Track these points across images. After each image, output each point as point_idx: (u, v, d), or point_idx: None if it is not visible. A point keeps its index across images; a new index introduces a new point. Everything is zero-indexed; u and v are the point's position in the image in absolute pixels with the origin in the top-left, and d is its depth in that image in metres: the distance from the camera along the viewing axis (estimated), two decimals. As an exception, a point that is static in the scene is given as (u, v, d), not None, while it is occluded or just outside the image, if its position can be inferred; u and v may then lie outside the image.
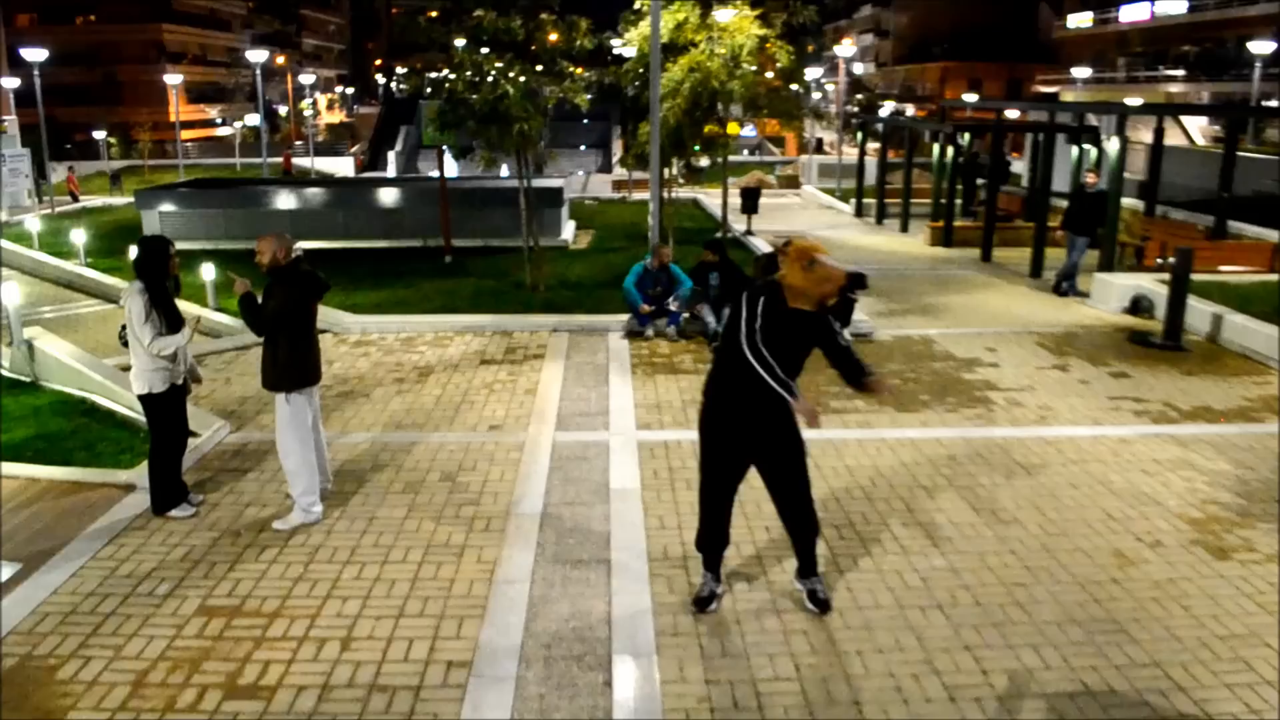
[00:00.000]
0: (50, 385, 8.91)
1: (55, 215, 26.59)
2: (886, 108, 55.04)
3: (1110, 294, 12.44)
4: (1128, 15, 50.33)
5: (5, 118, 33.69)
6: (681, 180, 18.09)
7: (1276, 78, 36.60)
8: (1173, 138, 23.90)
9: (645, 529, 5.93)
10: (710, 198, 24.89)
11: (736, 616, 4.93)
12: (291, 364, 5.92)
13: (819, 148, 42.74)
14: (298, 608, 5.03)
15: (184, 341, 5.96)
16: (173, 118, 44.79)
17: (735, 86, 13.83)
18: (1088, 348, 10.47)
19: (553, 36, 12.80)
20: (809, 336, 4.58)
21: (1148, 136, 17.35)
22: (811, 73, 34.91)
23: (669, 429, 7.79)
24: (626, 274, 11.23)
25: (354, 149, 56.28)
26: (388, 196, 19.66)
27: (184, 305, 8.11)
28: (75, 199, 31.29)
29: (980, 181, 20.34)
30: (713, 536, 5.01)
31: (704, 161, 16.46)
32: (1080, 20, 55.50)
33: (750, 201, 19.58)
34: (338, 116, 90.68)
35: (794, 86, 17.73)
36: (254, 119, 57.14)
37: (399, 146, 45.87)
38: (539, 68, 12.84)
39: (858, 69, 71.13)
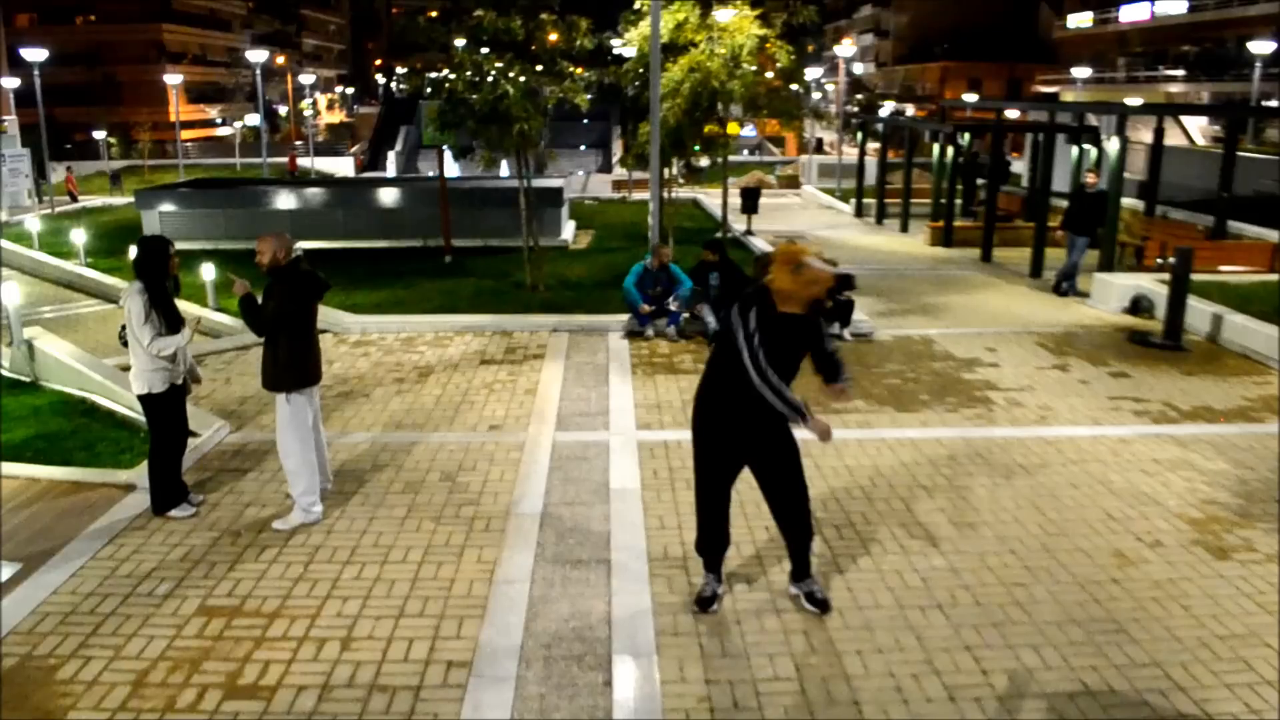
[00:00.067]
0: (50, 385, 8.91)
1: (55, 215, 26.60)
2: (886, 108, 55.06)
3: (1110, 294, 12.45)
4: (1128, 15, 50.34)
5: (5, 118, 33.69)
6: (681, 180, 18.11)
7: (1276, 78, 36.59)
8: (1173, 138, 23.91)
9: (645, 529, 5.93)
10: (710, 198, 24.89)
11: (736, 616, 4.93)
12: (292, 364, 5.92)
13: (819, 148, 42.74)
14: (298, 608, 5.03)
15: (184, 342, 5.96)
16: (173, 118, 44.81)
17: (735, 86, 13.83)
18: (1088, 348, 10.48)
19: (553, 36, 12.79)
20: (801, 340, 4.58)
21: (1148, 136, 17.35)
22: (811, 73, 34.92)
23: (669, 429, 7.79)
24: (626, 274, 11.23)
25: (354, 149, 56.30)
26: (388, 196, 19.66)
27: (184, 305, 8.12)
28: (74, 199, 31.32)
29: (980, 181, 20.35)
30: (712, 539, 5.02)
31: (704, 161, 16.46)
32: (1080, 20, 55.51)
33: (750, 201, 19.59)
34: (338, 116, 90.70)
35: (794, 86, 17.72)
36: (254, 119, 57.15)
37: (399, 146, 45.86)
38: (539, 68, 12.83)
39: (858, 69, 71.14)
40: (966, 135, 20.24)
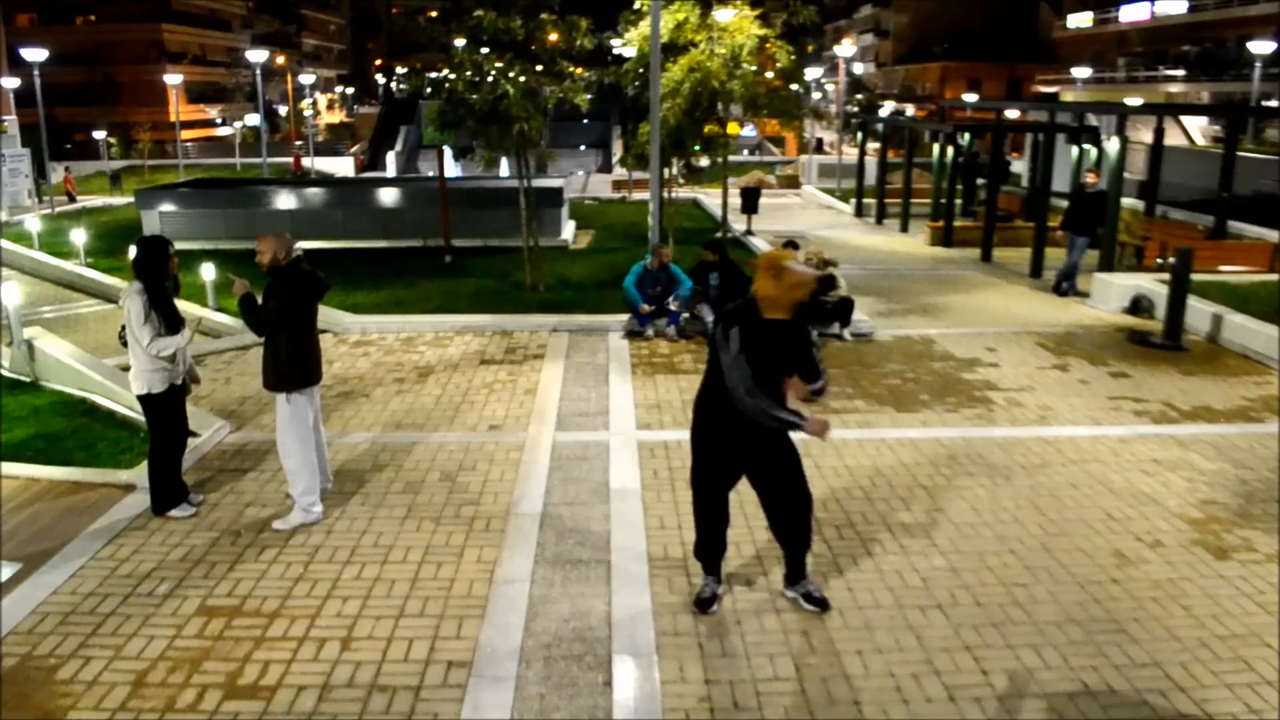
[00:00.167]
0: (50, 385, 8.91)
1: (55, 215, 26.61)
2: (886, 108, 55.05)
3: (1110, 294, 12.45)
4: (1128, 15, 50.35)
5: (5, 118, 33.69)
6: (681, 180, 18.09)
7: (1276, 78, 36.60)
8: (1173, 138, 23.91)
9: (645, 529, 5.93)
10: (710, 198, 24.90)
11: (736, 616, 4.93)
12: (292, 364, 5.92)
13: (819, 148, 42.73)
14: (298, 608, 5.03)
15: (184, 343, 5.96)
16: (173, 118, 44.82)
17: (735, 86, 13.83)
18: (1088, 348, 10.48)
19: (553, 36, 12.79)
20: (791, 345, 4.57)
21: (1148, 136, 17.36)
22: (811, 73, 34.93)
23: (669, 429, 7.79)
24: (626, 274, 11.23)
25: (354, 149, 56.31)
26: (388, 196, 19.65)
27: (184, 305, 8.12)
28: (71, 199, 31.31)
29: (980, 181, 20.36)
30: (711, 545, 5.02)
31: (704, 161, 16.45)
32: (1080, 20, 55.52)
33: (750, 201, 19.60)
34: (338, 116, 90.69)
35: (794, 86, 17.72)
36: (254, 119, 57.14)
37: (399, 146, 45.90)
38: (539, 68, 12.83)
39: (858, 69, 71.13)
40: (966, 135, 20.25)
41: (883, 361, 9.91)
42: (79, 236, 16.89)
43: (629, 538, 5.80)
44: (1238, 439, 7.56)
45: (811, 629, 4.80)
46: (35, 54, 30.51)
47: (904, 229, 20.77)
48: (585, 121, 42.27)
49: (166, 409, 6.05)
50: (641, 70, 13.94)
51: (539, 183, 16.52)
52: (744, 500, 5.23)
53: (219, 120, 66.68)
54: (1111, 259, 13.76)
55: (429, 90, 13.91)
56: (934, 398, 8.67)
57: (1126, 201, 15.25)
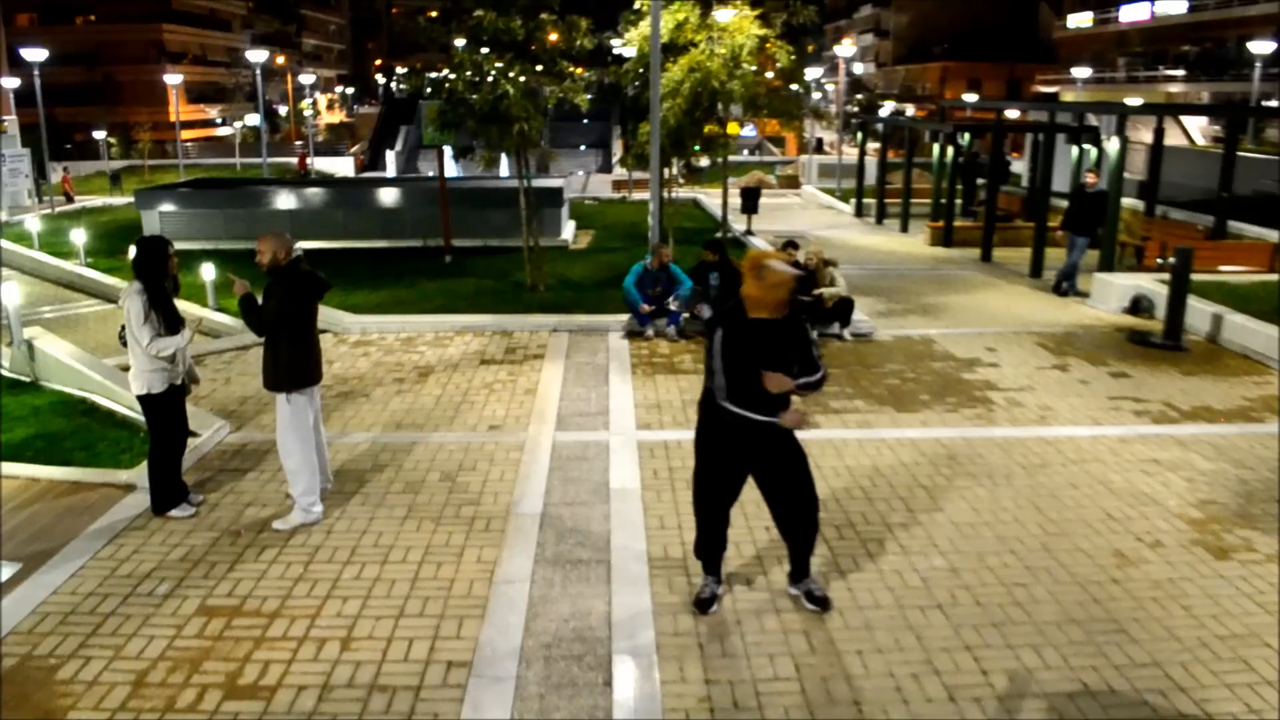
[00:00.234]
0: (50, 385, 8.91)
1: (55, 215, 26.61)
2: (886, 108, 55.06)
3: (1110, 294, 12.45)
4: (1128, 15, 50.34)
5: (5, 118, 33.69)
6: (681, 180, 18.10)
7: (1276, 78, 36.60)
8: (1173, 138, 23.91)
9: (645, 529, 5.93)
10: (710, 198, 24.90)
11: (736, 616, 4.93)
12: (292, 364, 5.92)
13: (819, 148, 42.74)
14: (298, 608, 5.03)
15: (183, 343, 5.96)
16: (173, 118, 44.83)
17: (735, 86, 13.84)
18: (1088, 348, 10.48)
19: (553, 36, 12.78)
20: (785, 343, 4.56)
21: (1148, 136, 17.35)
22: (811, 73, 34.93)
23: (669, 429, 7.79)
24: (626, 274, 11.23)
25: (354, 149, 56.33)
26: (388, 196, 19.65)
27: (184, 306, 8.12)
28: (69, 199, 31.29)
29: (980, 181, 20.36)
30: (711, 544, 5.02)
31: (704, 161, 16.46)
32: (1080, 20, 55.51)
33: (750, 201, 19.60)
34: (338, 116, 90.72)
35: (794, 86, 17.74)
36: (254, 119, 57.16)
37: (399, 146, 45.91)
38: (539, 68, 12.83)
39: (858, 69, 71.14)
40: (966, 135, 20.25)
41: (883, 361, 9.91)
42: (79, 236, 16.89)
43: (629, 538, 5.80)
44: (1238, 439, 7.56)
45: (811, 629, 4.80)
46: (35, 54, 30.52)
47: (904, 229, 20.77)
48: (585, 121, 42.29)
49: (166, 409, 6.05)
50: (641, 70, 13.95)
51: (539, 183, 16.53)
52: (744, 500, 5.22)
53: (219, 120, 66.70)
54: (1111, 259, 13.76)
55: (429, 90, 13.92)
56: (934, 398, 8.67)
57: (1126, 201, 15.25)
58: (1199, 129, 37.93)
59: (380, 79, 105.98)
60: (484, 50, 12.70)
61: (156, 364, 5.90)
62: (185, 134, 50.34)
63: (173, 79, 45.47)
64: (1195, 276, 10.88)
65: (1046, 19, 63.61)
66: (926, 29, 69.55)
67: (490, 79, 12.25)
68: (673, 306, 10.88)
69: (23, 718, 4.17)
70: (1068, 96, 49.38)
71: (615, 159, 41.61)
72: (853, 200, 24.74)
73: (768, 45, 14.41)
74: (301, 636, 4.76)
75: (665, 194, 15.81)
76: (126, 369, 6.37)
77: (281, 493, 6.40)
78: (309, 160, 45.71)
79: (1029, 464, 7.02)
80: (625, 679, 4.40)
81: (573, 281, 14.07)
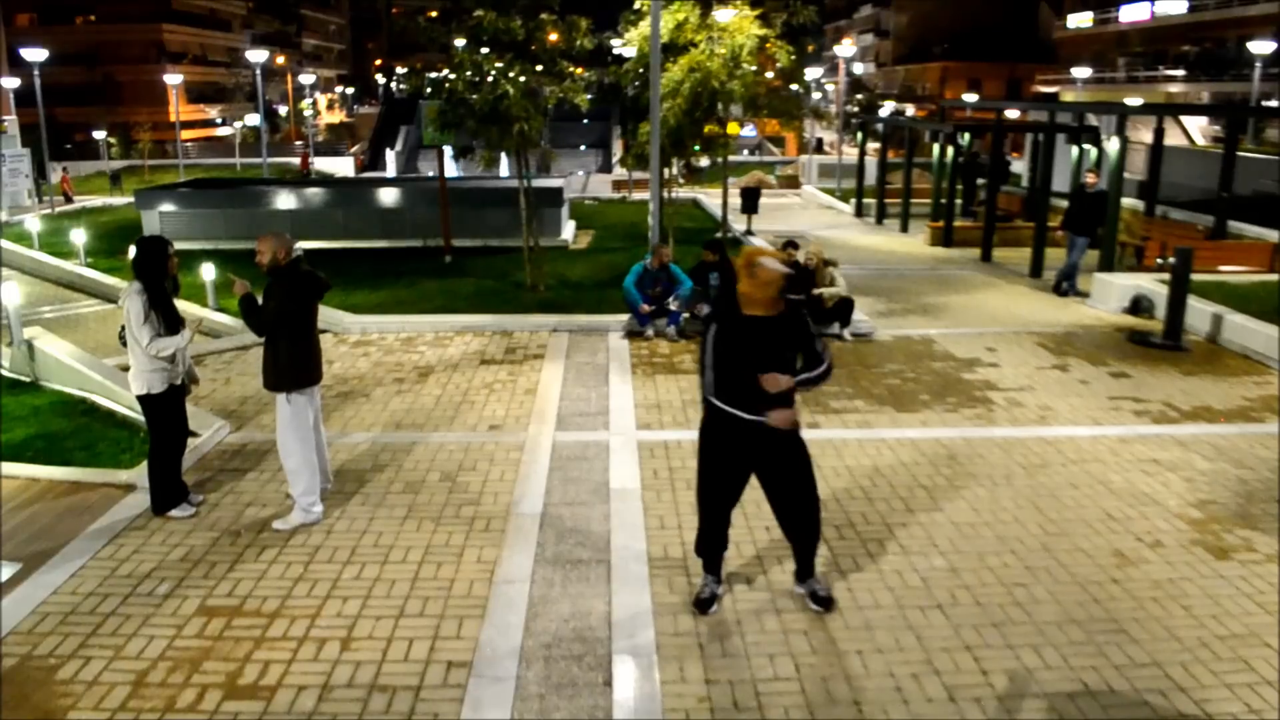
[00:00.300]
0: (50, 385, 8.91)
1: (55, 215, 26.61)
2: (886, 108, 55.05)
3: (1110, 294, 12.45)
4: (1128, 15, 50.34)
5: (5, 118, 33.72)
6: (681, 180, 18.11)
7: (1276, 78, 36.59)
8: (1173, 138, 23.91)
9: (645, 529, 5.93)
10: (710, 198, 24.90)
11: (736, 616, 4.93)
12: (292, 364, 5.92)
13: (819, 148, 42.75)
14: (298, 608, 5.03)
15: (183, 343, 5.96)
16: (173, 118, 44.85)
17: (735, 86, 13.84)
18: (1088, 348, 10.48)
19: (553, 36, 12.79)
20: (781, 340, 4.56)
21: (1148, 136, 17.35)
22: (811, 73, 34.93)
23: (669, 429, 7.79)
24: (626, 274, 11.23)
25: (354, 149, 56.35)
26: (388, 196, 19.65)
27: (185, 306, 8.12)
28: (68, 199, 31.28)
29: (980, 181, 20.35)
30: (712, 542, 5.02)
31: (704, 161, 16.47)
32: (1080, 20, 55.52)
33: (750, 201, 19.60)
34: (338, 116, 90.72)
35: (794, 86, 17.76)
36: (254, 119, 57.17)
37: (399, 146, 45.93)
38: (539, 68, 12.83)
39: (858, 69, 71.15)
40: (966, 135, 20.24)
41: (883, 361, 9.91)
42: (79, 236, 16.89)
43: (629, 538, 5.80)
44: (1238, 439, 7.56)
45: (811, 629, 4.80)
46: (35, 54, 30.53)
47: (904, 229, 20.77)
48: (585, 121, 42.30)
49: (166, 409, 6.05)
50: (641, 70, 13.95)
51: (539, 183, 16.52)
52: (744, 500, 5.21)
53: (219, 120, 66.71)
54: (1111, 259, 13.76)
55: (429, 90, 13.92)
56: (934, 398, 8.67)
57: (1126, 201, 15.25)
58: (1199, 129, 37.93)
59: (380, 79, 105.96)
60: (484, 50, 12.71)
61: (156, 364, 5.90)
62: (185, 134, 50.35)
63: (173, 79, 45.49)
64: (1195, 276, 10.88)
65: (1046, 19, 63.61)
66: (926, 29, 69.56)
67: (490, 79, 12.25)
68: (673, 306, 10.88)
69: (23, 718, 4.17)
70: (1068, 96, 49.39)
71: (615, 159, 41.61)
72: (853, 200, 24.74)
73: (768, 45, 14.41)
74: (301, 636, 4.76)
75: (665, 194, 15.82)
76: (126, 369, 6.37)
77: (281, 493, 6.40)
78: (311, 160, 45.71)
79: (1029, 464, 7.02)
80: (625, 679, 4.40)
81: (573, 281, 14.07)
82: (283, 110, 75.96)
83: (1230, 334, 10.42)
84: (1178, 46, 46.68)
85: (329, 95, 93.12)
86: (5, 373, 9.31)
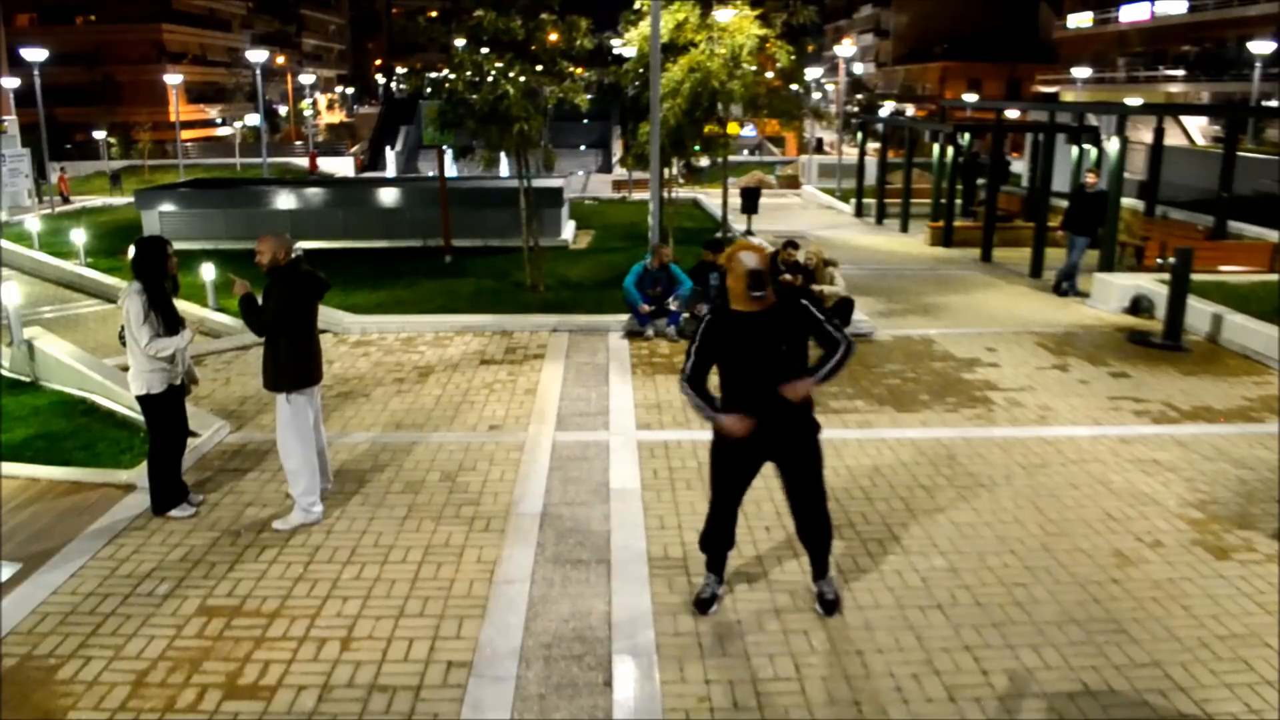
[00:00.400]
0: (50, 385, 8.91)
1: (55, 215, 26.61)
2: (886, 108, 55.05)
3: (1110, 294, 12.45)
4: (1128, 15, 50.36)
5: (5, 118, 33.70)
6: (681, 180, 18.12)
7: (1276, 78, 36.60)
8: (1173, 138, 23.91)
9: (645, 529, 5.93)
10: (710, 198, 24.90)
11: (737, 616, 4.92)
12: (292, 364, 5.92)
13: (819, 148, 42.75)
14: (298, 608, 5.03)
15: (183, 344, 5.96)
16: (173, 118, 44.85)
17: (735, 86, 13.83)
18: (1088, 348, 10.48)
19: (553, 36, 12.80)
20: (779, 332, 4.52)
21: (1148, 136, 17.35)
22: (811, 73, 34.92)
23: (669, 429, 7.79)
24: (626, 274, 11.23)
25: (354, 149, 56.37)
26: (388, 196, 19.65)
27: (184, 306, 8.12)
28: (65, 200, 31.28)
29: (980, 181, 20.35)
30: (719, 536, 4.98)
31: (704, 161, 16.48)
32: (1080, 20, 55.53)
33: (750, 201, 19.61)
34: (338, 116, 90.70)
35: (794, 86, 17.74)
36: (254, 119, 57.18)
37: (399, 146, 45.94)
38: (539, 68, 12.84)
39: (858, 69, 71.14)
40: (966, 135, 20.25)
41: (883, 361, 9.91)
42: (79, 236, 16.89)
43: (629, 538, 5.80)
44: (1238, 439, 7.56)
45: (811, 629, 4.80)
46: (35, 54, 30.55)
47: (904, 229, 20.77)
48: (585, 121, 42.31)
49: (166, 409, 6.04)
50: (641, 70, 13.94)
51: (539, 183, 16.52)
52: (744, 501, 5.22)
53: (219, 120, 66.71)
54: (1111, 259, 13.76)
55: (429, 90, 13.93)
56: (934, 398, 8.67)
57: (1126, 201, 15.25)
58: (1199, 129, 37.92)
59: (380, 79, 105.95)
60: (484, 50, 12.72)
61: (155, 364, 5.90)
62: (185, 134, 50.34)
63: (173, 79, 45.50)
64: (1195, 276, 10.87)
65: (1046, 19, 63.62)
66: (926, 29, 69.56)
67: (490, 79, 12.25)
68: (673, 306, 10.88)
69: (23, 718, 4.17)
70: (1068, 96, 49.39)
71: (615, 159, 41.60)
72: (853, 200, 24.74)
73: (768, 45, 14.41)
74: (301, 636, 4.76)
75: (665, 194, 15.81)
76: (126, 369, 6.37)
77: (281, 493, 6.40)
78: (319, 160, 45.73)
79: (1029, 464, 7.02)
80: (625, 679, 4.40)
81: (573, 281, 14.07)
82: (283, 110, 75.95)
83: (1230, 334, 10.42)
84: (1178, 46, 46.70)
85: (329, 95, 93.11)
86: (5, 373, 9.31)
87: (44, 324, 11.27)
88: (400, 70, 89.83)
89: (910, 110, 57.68)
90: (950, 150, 19.41)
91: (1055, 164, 15.46)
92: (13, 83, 35.04)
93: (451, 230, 16.62)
